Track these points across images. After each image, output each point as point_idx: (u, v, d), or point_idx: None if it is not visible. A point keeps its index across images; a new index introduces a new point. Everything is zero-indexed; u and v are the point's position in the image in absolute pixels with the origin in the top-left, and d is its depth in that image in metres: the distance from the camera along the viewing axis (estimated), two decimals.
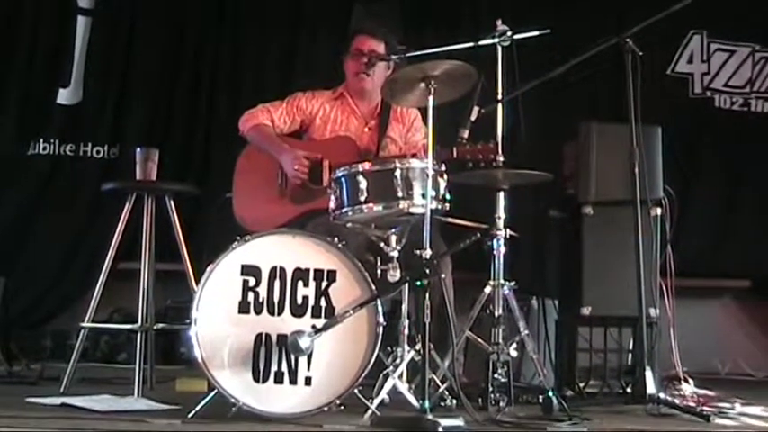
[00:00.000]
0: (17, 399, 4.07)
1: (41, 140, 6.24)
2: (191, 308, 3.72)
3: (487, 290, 4.20)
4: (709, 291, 6.48)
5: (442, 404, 3.99)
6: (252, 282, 3.74)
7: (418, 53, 4.44)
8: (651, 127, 4.62)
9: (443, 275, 4.12)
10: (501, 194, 4.24)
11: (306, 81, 5.81)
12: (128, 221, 4.73)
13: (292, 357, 3.68)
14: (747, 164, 6.50)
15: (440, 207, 3.93)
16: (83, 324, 4.66)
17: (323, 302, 3.74)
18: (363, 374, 3.70)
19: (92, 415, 3.75)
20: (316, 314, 3.73)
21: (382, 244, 3.97)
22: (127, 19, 6.37)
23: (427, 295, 3.64)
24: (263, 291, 3.74)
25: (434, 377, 3.98)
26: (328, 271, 3.77)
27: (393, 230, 3.96)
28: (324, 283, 3.75)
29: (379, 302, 3.74)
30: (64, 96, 6.29)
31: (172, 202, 4.78)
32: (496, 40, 4.31)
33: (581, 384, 4.68)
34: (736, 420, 4.04)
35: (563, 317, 5.01)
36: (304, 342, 3.60)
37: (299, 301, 3.74)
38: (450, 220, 4.13)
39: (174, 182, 5.09)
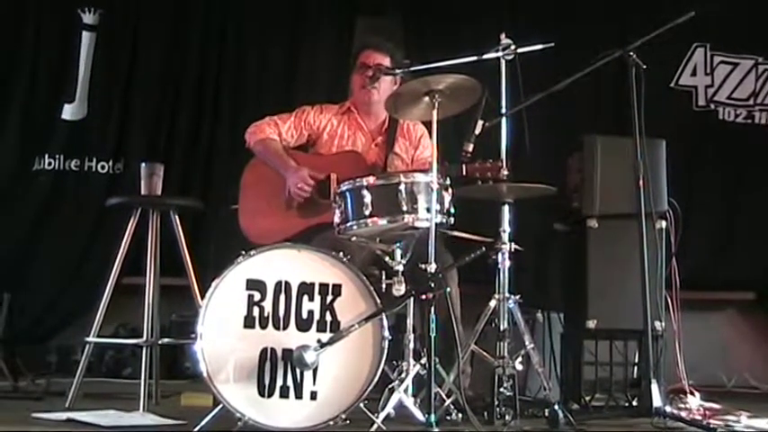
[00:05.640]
0: (22, 414, 4.06)
1: (46, 155, 6.25)
2: (196, 322, 3.71)
3: (492, 303, 4.20)
4: (715, 303, 6.46)
5: (448, 418, 3.97)
6: (257, 296, 3.74)
7: (423, 67, 4.42)
8: (655, 140, 4.62)
9: (449, 289, 4.10)
10: (506, 208, 4.25)
11: (308, 94, 5.82)
12: (132, 236, 4.73)
13: (298, 372, 3.68)
14: (751, 176, 6.49)
15: (444, 221, 3.93)
16: (88, 339, 4.64)
17: (328, 317, 3.74)
18: (369, 389, 3.70)
19: (97, 430, 3.75)
20: (321, 328, 3.73)
21: (387, 258, 3.97)
22: (131, 34, 6.38)
23: (433, 309, 3.64)
24: (268, 305, 3.73)
25: (440, 391, 3.96)
26: (333, 285, 3.77)
27: (398, 244, 3.95)
28: (329, 298, 3.76)
29: (384, 316, 3.74)
30: (68, 111, 6.30)
31: (177, 216, 4.78)
32: (500, 54, 4.32)
33: (587, 398, 4.66)
34: None
35: (568, 330, 5.00)
36: (309, 356, 3.60)
37: (305, 315, 3.74)
38: (454, 233, 4.13)
39: (178, 196, 5.09)
